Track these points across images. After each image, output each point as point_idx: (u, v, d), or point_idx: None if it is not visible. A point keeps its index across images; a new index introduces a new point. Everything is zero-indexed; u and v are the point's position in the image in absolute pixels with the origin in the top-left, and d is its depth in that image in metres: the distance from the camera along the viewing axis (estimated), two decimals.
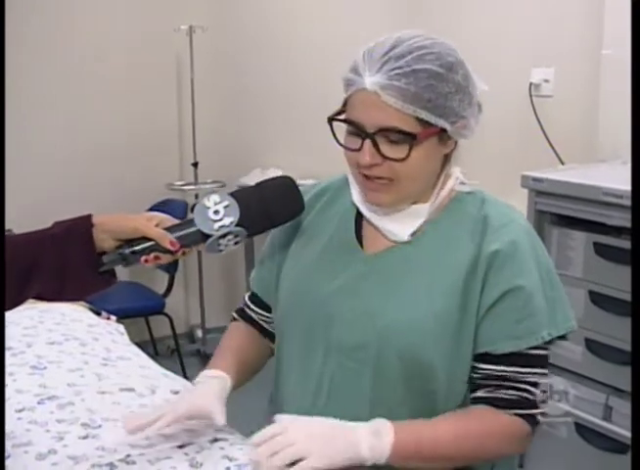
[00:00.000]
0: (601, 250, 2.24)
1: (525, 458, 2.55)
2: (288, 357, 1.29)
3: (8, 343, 1.59)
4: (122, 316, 2.31)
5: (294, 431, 1.07)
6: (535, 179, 2.34)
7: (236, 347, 1.34)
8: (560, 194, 2.30)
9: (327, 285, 1.23)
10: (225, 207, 1.11)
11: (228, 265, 4.15)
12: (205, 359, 3.80)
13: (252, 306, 1.39)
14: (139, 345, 1.86)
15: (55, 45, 3.54)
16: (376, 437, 1.08)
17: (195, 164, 3.79)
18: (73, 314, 1.84)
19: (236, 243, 1.13)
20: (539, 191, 2.35)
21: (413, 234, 1.21)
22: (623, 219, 2.10)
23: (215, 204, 1.11)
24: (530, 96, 2.90)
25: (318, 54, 3.64)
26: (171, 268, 3.60)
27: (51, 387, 1.41)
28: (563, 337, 1.21)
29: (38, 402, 1.35)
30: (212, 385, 1.22)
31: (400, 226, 1.21)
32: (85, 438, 1.22)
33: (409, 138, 1.10)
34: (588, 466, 2.36)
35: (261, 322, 1.39)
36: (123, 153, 3.73)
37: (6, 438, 1.21)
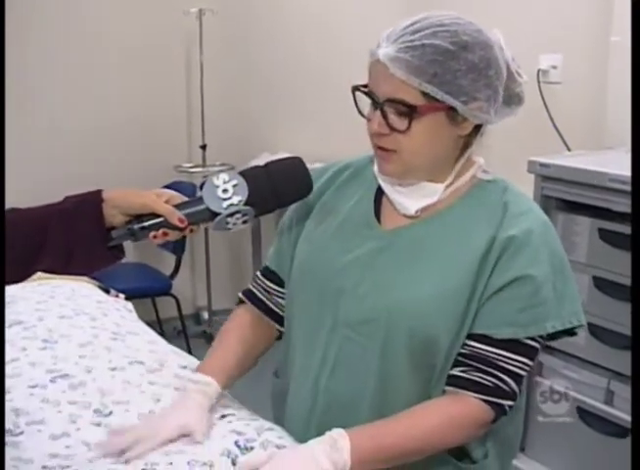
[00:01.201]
0: (606, 235, 2.25)
1: (526, 441, 2.58)
2: (296, 330, 1.30)
3: (19, 317, 1.61)
4: (129, 297, 2.32)
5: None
6: (542, 165, 2.36)
7: (237, 342, 1.34)
8: (566, 179, 2.31)
9: (341, 258, 1.24)
10: (234, 185, 1.11)
11: (235, 248, 4.17)
12: (210, 341, 3.81)
13: (267, 282, 1.38)
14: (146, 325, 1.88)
15: (64, 25, 3.55)
16: (334, 450, 1.09)
17: (203, 147, 3.80)
18: (83, 291, 1.87)
19: (244, 222, 1.13)
20: (546, 176, 2.36)
21: (419, 211, 1.22)
22: (628, 205, 2.10)
23: (224, 182, 1.11)
24: (538, 82, 2.90)
25: (328, 37, 3.65)
26: (178, 250, 3.63)
27: (62, 359, 1.43)
28: (571, 332, 1.22)
29: (50, 380, 1.36)
30: (196, 398, 1.22)
31: (410, 201, 1.22)
32: (98, 425, 1.24)
33: (410, 110, 1.12)
34: (589, 449, 2.38)
35: (271, 301, 1.38)
36: (132, 135, 3.75)
37: (19, 414, 1.23)
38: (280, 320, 1.37)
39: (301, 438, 1.21)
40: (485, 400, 1.16)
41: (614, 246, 2.23)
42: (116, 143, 3.71)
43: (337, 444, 1.10)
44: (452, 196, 1.23)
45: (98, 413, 1.27)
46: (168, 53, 3.82)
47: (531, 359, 1.19)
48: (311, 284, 1.27)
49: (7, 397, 1.28)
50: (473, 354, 1.17)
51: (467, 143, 1.22)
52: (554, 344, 2.46)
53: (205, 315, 4.03)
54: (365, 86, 1.19)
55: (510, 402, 1.18)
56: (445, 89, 1.12)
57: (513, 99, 1.24)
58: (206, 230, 3.90)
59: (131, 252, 3.93)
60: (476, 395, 1.16)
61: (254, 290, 1.40)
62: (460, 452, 1.23)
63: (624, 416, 2.27)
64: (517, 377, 1.18)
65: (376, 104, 1.16)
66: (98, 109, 3.67)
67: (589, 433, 2.36)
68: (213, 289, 3.97)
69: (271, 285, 1.38)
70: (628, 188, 2.09)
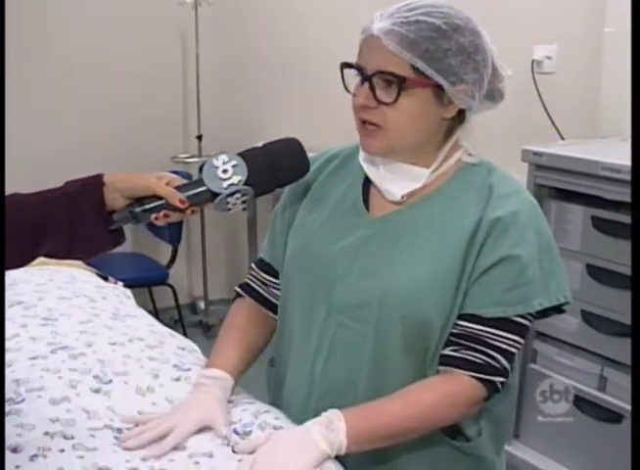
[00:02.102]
0: (598, 223, 2.28)
1: (519, 428, 2.61)
2: (291, 318, 1.32)
3: (20, 298, 1.63)
4: (126, 286, 2.35)
5: (261, 460, 1.09)
6: (536, 153, 2.38)
7: (240, 336, 1.35)
8: (559, 168, 2.33)
9: (331, 247, 1.26)
10: (233, 166, 1.13)
11: (231, 238, 4.19)
12: (207, 330, 3.85)
13: (262, 274, 1.40)
14: None
15: (59, 16, 3.55)
16: (330, 430, 1.12)
17: (199, 137, 3.82)
18: (82, 276, 1.89)
19: (243, 202, 1.15)
20: (539, 165, 2.38)
21: (404, 197, 1.24)
22: (621, 194, 2.14)
23: (224, 163, 1.13)
24: (533, 73, 2.92)
25: (324, 28, 3.65)
26: (174, 240, 3.64)
27: (62, 334, 1.45)
28: (558, 309, 1.23)
29: (51, 352, 1.38)
30: (214, 391, 1.24)
31: (396, 186, 1.24)
32: (97, 392, 1.26)
33: (399, 81, 1.14)
34: (583, 435, 2.41)
35: (268, 293, 1.40)
36: (128, 126, 3.75)
37: (19, 383, 1.25)
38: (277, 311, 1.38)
39: (299, 423, 1.22)
40: (477, 378, 1.18)
41: (607, 234, 2.26)
42: (112, 134, 3.71)
43: (332, 424, 1.12)
44: (439, 180, 1.25)
45: (97, 380, 1.29)
46: (164, 44, 3.82)
47: (522, 337, 1.21)
48: (304, 273, 1.29)
49: (8, 369, 1.30)
50: (463, 334, 1.19)
51: (451, 128, 1.24)
52: (548, 330, 2.49)
53: (202, 305, 4.04)
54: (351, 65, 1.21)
55: (501, 379, 1.19)
56: (435, 66, 1.15)
57: (495, 94, 1.26)
58: (203, 220, 3.92)
59: (129, 242, 3.89)
60: (467, 372, 1.18)
61: (251, 282, 1.42)
62: (454, 431, 1.25)
63: (618, 402, 2.30)
64: (507, 354, 1.19)
65: (364, 77, 1.17)
66: (94, 100, 3.67)
67: (583, 419, 2.38)
68: (210, 279, 3.99)
69: (267, 276, 1.39)
70: (620, 176, 2.12)
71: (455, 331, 1.20)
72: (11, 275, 1.79)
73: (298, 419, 1.24)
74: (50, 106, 3.58)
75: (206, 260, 3.97)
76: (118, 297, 1.82)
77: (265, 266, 1.40)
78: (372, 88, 1.16)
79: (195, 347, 1.58)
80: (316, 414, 1.18)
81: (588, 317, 2.35)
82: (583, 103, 2.83)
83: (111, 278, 2.11)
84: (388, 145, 1.21)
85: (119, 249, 2.82)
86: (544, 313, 1.23)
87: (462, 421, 1.24)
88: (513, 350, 1.20)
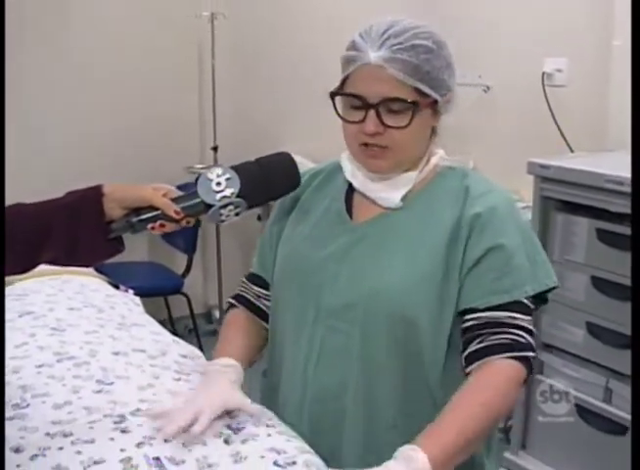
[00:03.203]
0: (603, 236, 2.29)
1: (527, 439, 2.63)
2: (282, 327, 1.36)
3: (30, 308, 1.69)
4: (142, 295, 2.39)
5: None
6: (541, 166, 2.39)
7: (241, 332, 1.40)
8: (564, 180, 2.34)
9: (317, 254, 1.31)
10: (227, 179, 1.18)
11: (246, 248, 4.23)
12: None
13: (253, 287, 1.45)
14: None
15: (80, 27, 3.64)
16: (409, 463, 1.06)
17: (215, 149, 3.88)
18: (92, 286, 1.94)
19: (237, 214, 1.19)
20: (545, 177, 2.40)
21: (403, 199, 1.29)
22: (625, 206, 2.14)
23: (218, 176, 1.18)
24: (543, 85, 2.94)
25: (338, 40, 3.68)
26: (190, 249, 3.70)
27: (69, 343, 1.50)
28: (544, 300, 1.28)
29: (57, 361, 1.43)
30: (230, 376, 1.26)
31: (392, 193, 1.29)
32: (99, 392, 1.30)
33: (412, 106, 1.20)
34: (588, 447, 2.41)
35: (259, 303, 1.44)
36: (144, 137, 3.83)
37: (25, 390, 1.30)
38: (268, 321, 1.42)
39: (295, 427, 1.26)
40: (513, 357, 1.19)
41: (611, 246, 2.26)
42: (129, 145, 3.79)
43: (411, 457, 1.07)
44: (418, 185, 1.30)
45: (100, 383, 1.34)
46: (181, 56, 3.91)
47: (529, 315, 1.23)
48: (293, 282, 1.33)
49: (16, 376, 1.35)
50: (478, 324, 1.22)
51: (434, 131, 1.31)
52: (554, 342, 2.51)
53: (217, 314, 4.09)
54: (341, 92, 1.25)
55: (532, 354, 1.21)
56: (433, 85, 1.22)
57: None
58: (218, 230, 3.97)
59: (145, 251, 4.02)
60: (502, 355, 1.19)
61: (242, 293, 1.46)
62: None
63: (623, 414, 2.30)
64: (526, 331, 1.22)
65: (368, 105, 1.21)
66: (110, 110, 3.75)
67: (588, 430, 2.39)
68: (224, 288, 4.03)
69: (258, 289, 1.44)
70: (624, 189, 2.13)
71: (467, 327, 1.23)
72: (23, 286, 1.86)
73: (294, 423, 1.27)
74: (68, 115, 3.66)
75: (222, 270, 4.02)
76: (127, 304, 1.87)
77: (256, 279, 1.45)
78: (378, 115, 1.21)
79: (198, 352, 1.62)
80: (310, 417, 1.22)
81: (593, 329, 2.35)
82: (592, 115, 2.84)
83: (122, 286, 2.16)
84: (396, 163, 1.27)
85: (136, 258, 2.94)
86: (534, 302, 1.26)
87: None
88: (528, 326, 1.22)
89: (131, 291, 2.15)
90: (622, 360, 2.26)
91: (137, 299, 2.01)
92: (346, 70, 1.26)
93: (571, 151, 2.80)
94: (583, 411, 2.40)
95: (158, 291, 3.66)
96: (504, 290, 1.22)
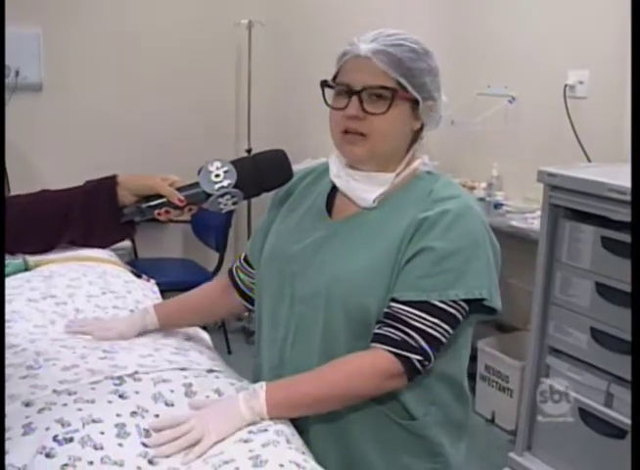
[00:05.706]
0: (607, 243, 2.35)
1: (532, 441, 2.69)
2: (264, 312, 1.49)
3: (54, 291, 1.83)
4: (173, 289, 2.50)
5: (192, 421, 1.24)
6: (549, 174, 2.47)
7: (192, 297, 1.70)
8: (571, 189, 2.41)
9: (295, 247, 1.43)
10: (225, 171, 1.30)
11: None
12: (249, 336, 4.03)
13: (245, 266, 1.59)
14: None
15: (118, 34, 3.84)
16: (253, 397, 1.28)
17: (249, 151, 4.01)
18: (114, 272, 2.07)
19: (234, 203, 1.31)
20: (553, 186, 2.47)
21: (376, 200, 1.39)
22: (627, 215, 2.20)
23: (217, 168, 1.30)
24: (565, 97, 3.01)
25: None
26: (221, 247, 3.83)
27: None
28: (491, 310, 1.34)
29: (70, 337, 1.58)
30: (132, 315, 1.66)
31: (367, 193, 1.39)
32: (104, 359, 1.44)
33: (390, 93, 1.31)
34: (589, 449, 2.47)
35: (245, 285, 1.58)
36: (181, 138, 4.00)
37: (39, 354, 1.44)
38: (242, 294, 1.59)
39: None
40: (392, 352, 1.29)
41: (615, 254, 2.33)
42: (165, 146, 3.95)
43: (255, 392, 1.29)
44: (394, 188, 1.40)
45: (106, 352, 1.48)
46: (220, 62, 4.08)
47: (446, 323, 1.30)
48: (273, 270, 1.46)
49: (33, 345, 1.50)
50: (387, 313, 1.32)
51: (413, 140, 1.40)
52: (560, 346, 2.56)
53: (245, 312, 4.19)
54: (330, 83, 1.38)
55: (418, 357, 1.29)
56: (413, 83, 1.33)
57: (438, 119, 1.41)
58: (249, 227, 4.11)
59: (179, 248, 4.17)
60: (384, 347, 1.30)
61: (237, 270, 1.61)
62: (401, 409, 1.37)
63: (623, 418, 2.36)
64: (427, 336, 1.29)
65: (351, 92, 1.33)
66: (148, 114, 3.93)
67: (589, 433, 2.45)
68: None
69: (250, 269, 1.58)
70: (626, 198, 2.19)
71: (385, 311, 1.33)
72: (50, 268, 2.01)
73: None
74: (106, 120, 3.87)
75: None
76: (143, 290, 2.00)
77: (245, 258, 1.60)
78: (360, 101, 1.33)
79: (203, 334, 1.75)
80: None
81: (597, 335, 2.41)
82: (611, 126, 2.89)
83: (144, 276, 2.28)
84: (371, 151, 1.36)
85: (171, 254, 3.14)
86: (477, 310, 1.34)
87: (408, 400, 1.36)
88: (435, 333, 1.30)
89: (153, 281, 2.26)
90: (624, 366, 2.32)
91: (155, 287, 2.13)
92: (339, 62, 1.38)
93: (589, 160, 2.86)
94: (585, 414, 2.46)
95: (188, 285, 3.74)
96: (423, 288, 1.30)
